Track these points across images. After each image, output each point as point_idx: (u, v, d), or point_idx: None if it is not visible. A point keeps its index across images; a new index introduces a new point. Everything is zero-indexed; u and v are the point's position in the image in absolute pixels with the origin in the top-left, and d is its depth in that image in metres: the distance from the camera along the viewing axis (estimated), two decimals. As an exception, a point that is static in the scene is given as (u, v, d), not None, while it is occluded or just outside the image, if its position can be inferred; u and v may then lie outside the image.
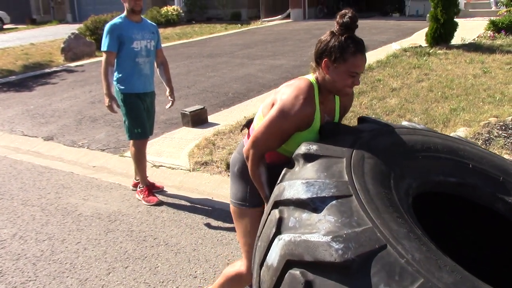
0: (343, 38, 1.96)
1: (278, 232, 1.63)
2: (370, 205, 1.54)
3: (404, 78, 8.22)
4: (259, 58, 11.33)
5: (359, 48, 1.98)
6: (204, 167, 5.16)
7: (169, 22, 19.96)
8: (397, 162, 1.87)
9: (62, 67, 12.07)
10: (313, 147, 1.81)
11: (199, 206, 4.38)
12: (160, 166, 5.33)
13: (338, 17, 1.98)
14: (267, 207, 1.84)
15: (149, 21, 4.60)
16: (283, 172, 1.88)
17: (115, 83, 4.40)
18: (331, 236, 1.44)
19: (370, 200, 1.56)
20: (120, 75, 4.36)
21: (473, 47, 10.43)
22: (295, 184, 1.69)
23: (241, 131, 2.40)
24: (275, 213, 1.69)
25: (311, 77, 2.12)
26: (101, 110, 7.70)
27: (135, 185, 4.77)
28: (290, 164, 1.90)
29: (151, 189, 4.56)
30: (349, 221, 1.48)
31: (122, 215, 4.24)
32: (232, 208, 2.42)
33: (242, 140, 2.43)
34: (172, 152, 5.66)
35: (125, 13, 4.37)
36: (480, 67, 8.64)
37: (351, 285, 1.37)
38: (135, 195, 4.61)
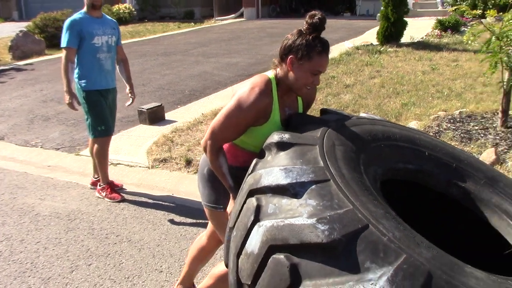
0: (310, 37, 2.02)
1: (256, 219, 1.64)
2: (347, 189, 1.58)
3: (357, 75, 8.44)
4: (214, 56, 11.34)
5: (325, 48, 2.04)
6: (163, 164, 5.15)
7: (121, 20, 19.65)
8: (363, 150, 1.94)
9: (10, 65, 11.68)
10: (286, 136, 1.84)
11: (160, 202, 4.37)
12: (118, 164, 5.27)
13: (308, 17, 2.04)
14: (240, 197, 1.85)
15: (109, 17, 4.53)
16: (253, 162, 1.90)
17: (76, 80, 4.32)
18: (315, 218, 1.47)
19: (347, 184, 1.61)
20: (81, 71, 4.28)
21: (421, 45, 10.82)
22: (273, 171, 1.70)
23: None
24: (252, 201, 1.70)
25: (270, 73, 2.18)
26: (54, 109, 7.53)
27: (94, 184, 4.70)
28: (260, 155, 1.93)
29: (113, 186, 4.52)
30: (330, 204, 1.52)
31: (82, 214, 4.18)
32: (206, 210, 2.45)
33: None
34: (130, 149, 5.61)
35: (85, 8, 4.29)
36: (428, 64, 8.98)
37: (338, 265, 1.40)
38: (95, 193, 4.55)
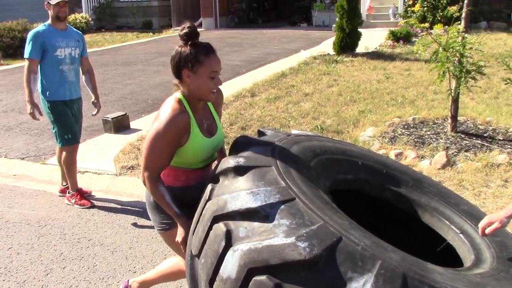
0: (189, 45, 2.13)
1: (229, 244, 1.66)
2: (313, 205, 1.67)
3: (315, 83, 8.75)
4: (175, 66, 11.43)
5: (209, 49, 2.15)
6: (131, 171, 5.26)
7: (78, 30, 19.43)
8: (310, 166, 2.08)
9: (-35, 76, 11.45)
10: (241, 160, 1.90)
11: (130, 208, 4.48)
12: (85, 172, 5.34)
13: (179, 31, 2.16)
14: (202, 224, 1.86)
15: (74, 29, 4.63)
16: (209, 188, 1.93)
17: (40, 91, 4.38)
18: (294, 237, 1.53)
19: (311, 201, 1.70)
20: (45, 83, 4.34)
21: (375, 55, 11.27)
22: (240, 195, 1.74)
23: None
24: (220, 227, 1.72)
25: (178, 94, 2.27)
26: (15, 119, 7.49)
27: (62, 191, 4.77)
28: (213, 180, 1.96)
29: (82, 193, 4.60)
30: (302, 221, 1.58)
31: (52, 220, 4.25)
32: (162, 235, 2.51)
33: None
34: (97, 158, 5.69)
35: (49, 20, 4.38)
36: (383, 73, 9.39)
37: (322, 278, 1.47)
38: (64, 200, 4.62)
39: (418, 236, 2.57)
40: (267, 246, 1.55)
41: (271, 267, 1.53)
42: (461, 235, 2.16)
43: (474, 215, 2.34)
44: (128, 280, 2.94)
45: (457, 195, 2.59)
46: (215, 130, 2.37)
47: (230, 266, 1.63)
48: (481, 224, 1.93)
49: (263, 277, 1.53)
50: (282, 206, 1.64)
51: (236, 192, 1.76)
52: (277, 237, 1.56)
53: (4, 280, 3.34)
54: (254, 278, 1.55)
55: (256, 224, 1.65)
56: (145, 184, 2.23)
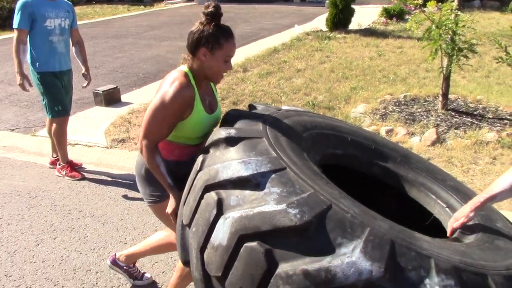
0: (213, 26, 2.11)
1: (220, 213, 1.67)
2: (304, 175, 1.68)
3: (308, 60, 8.72)
4: (166, 40, 11.35)
5: (230, 33, 2.16)
6: (122, 144, 5.25)
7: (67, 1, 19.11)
8: (301, 139, 2.09)
9: (-47, 46, 11.28)
10: (232, 131, 1.88)
11: (121, 180, 4.49)
12: (76, 144, 5.32)
13: (203, 8, 2.13)
14: (193, 194, 1.86)
15: (64, 0, 4.56)
16: (200, 159, 1.93)
17: (29, 62, 4.33)
18: (285, 204, 1.54)
19: (302, 171, 1.71)
20: (34, 54, 4.29)
21: (368, 32, 11.23)
22: (231, 164, 1.74)
23: None
24: (212, 195, 1.72)
25: (184, 67, 2.25)
26: (4, 91, 7.42)
27: (53, 163, 4.76)
28: (205, 151, 1.95)
29: (73, 165, 4.60)
30: (293, 189, 1.59)
31: (43, 191, 4.25)
32: (152, 207, 2.52)
33: None
34: (87, 130, 5.67)
35: None
36: (375, 51, 9.37)
37: (312, 244, 1.49)
38: (55, 172, 4.62)
39: (406, 211, 2.61)
40: (258, 213, 1.56)
41: (262, 233, 1.54)
42: (447, 209, 2.19)
43: (460, 190, 2.37)
44: (115, 254, 2.96)
45: (444, 171, 2.62)
46: (215, 106, 2.38)
47: (221, 234, 1.63)
48: (450, 225, 1.97)
49: (254, 243, 1.54)
50: (273, 175, 1.65)
51: (228, 162, 1.76)
52: (268, 205, 1.57)
53: (-6, 250, 3.36)
54: (245, 245, 1.56)
55: (247, 192, 1.65)
56: (141, 153, 2.23)
